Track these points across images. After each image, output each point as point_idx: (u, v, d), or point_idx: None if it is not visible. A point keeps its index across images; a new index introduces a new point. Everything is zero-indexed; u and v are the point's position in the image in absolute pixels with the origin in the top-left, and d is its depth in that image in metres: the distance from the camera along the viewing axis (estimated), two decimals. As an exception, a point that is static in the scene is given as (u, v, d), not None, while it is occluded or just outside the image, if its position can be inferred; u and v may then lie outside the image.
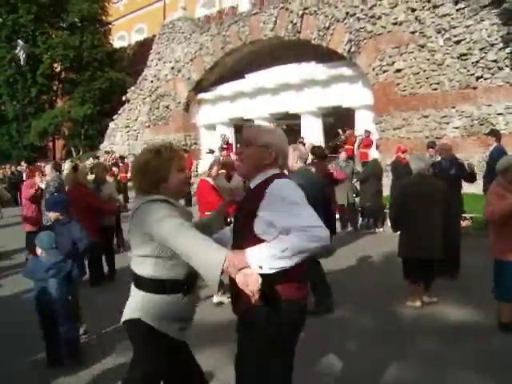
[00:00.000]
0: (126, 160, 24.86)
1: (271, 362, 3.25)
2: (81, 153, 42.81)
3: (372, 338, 6.24)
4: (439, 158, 12.17)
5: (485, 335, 6.07)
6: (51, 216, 6.69)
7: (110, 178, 11.31)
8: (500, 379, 4.98)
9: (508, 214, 5.93)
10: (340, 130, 22.62)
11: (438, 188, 7.29)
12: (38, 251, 5.84)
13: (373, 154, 14.06)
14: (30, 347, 6.25)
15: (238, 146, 22.70)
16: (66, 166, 20.60)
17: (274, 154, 3.23)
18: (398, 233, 12.42)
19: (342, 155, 14.12)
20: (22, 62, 39.39)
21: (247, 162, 3.32)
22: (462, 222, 9.41)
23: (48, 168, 12.46)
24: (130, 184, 23.31)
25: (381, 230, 13.31)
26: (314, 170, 9.73)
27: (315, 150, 10.60)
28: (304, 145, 20.08)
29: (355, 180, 13.59)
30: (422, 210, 7.07)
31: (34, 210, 10.51)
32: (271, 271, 2.97)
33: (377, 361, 5.52)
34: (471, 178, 8.90)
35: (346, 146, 21.31)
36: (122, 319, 3.42)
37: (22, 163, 31.11)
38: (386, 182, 13.99)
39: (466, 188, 8.94)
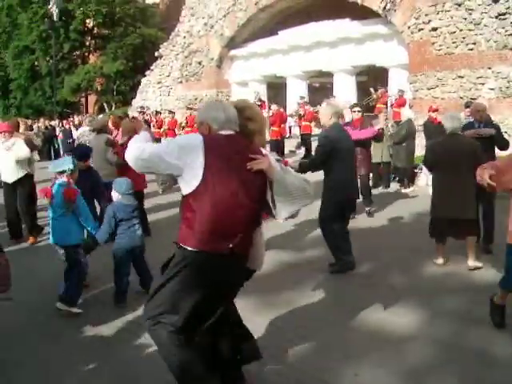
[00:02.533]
0: (160, 115, 24.97)
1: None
2: (113, 108, 43.09)
3: (396, 293, 6.35)
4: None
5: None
6: (84, 165, 6.95)
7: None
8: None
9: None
10: (372, 89, 22.47)
11: (471, 148, 7.09)
12: (115, 196, 6.30)
13: (406, 113, 13.93)
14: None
15: (272, 103, 22.66)
16: (87, 121, 20.95)
17: (207, 127, 3.63)
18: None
19: (383, 115, 14.11)
20: (54, 18, 39.50)
21: None
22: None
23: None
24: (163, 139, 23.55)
25: (411, 189, 13.34)
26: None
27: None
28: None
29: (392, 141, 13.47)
30: (453, 171, 6.99)
31: None
32: None
33: (400, 315, 5.66)
34: (505, 145, 8.34)
35: (378, 105, 21.20)
36: None
37: (56, 118, 31.57)
38: (419, 141, 13.95)
39: (498, 151, 8.64)
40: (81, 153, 7.48)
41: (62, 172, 6.13)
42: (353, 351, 4.81)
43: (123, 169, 7.92)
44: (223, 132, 3.56)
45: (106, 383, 4.44)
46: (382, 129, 10.97)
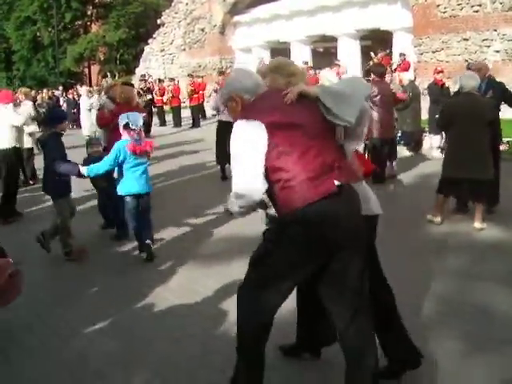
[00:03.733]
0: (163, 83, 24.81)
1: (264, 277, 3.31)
2: (116, 77, 42.90)
3: (400, 251, 6.37)
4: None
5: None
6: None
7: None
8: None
9: None
10: (372, 53, 22.21)
11: (487, 108, 7.06)
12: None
13: (407, 76, 13.77)
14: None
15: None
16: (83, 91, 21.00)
17: (238, 100, 3.43)
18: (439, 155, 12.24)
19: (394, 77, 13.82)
20: (56, -13, 39.18)
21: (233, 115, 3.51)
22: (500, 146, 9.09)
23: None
24: (166, 107, 23.50)
25: (418, 153, 13.30)
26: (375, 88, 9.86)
27: (375, 67, 10.77)
28: (339, 67, 19.89)
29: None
30: (469, 131, 6.90)
31: None
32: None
33: (403, 272, 5.69)
34: None
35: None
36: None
37: (60, 88, 31.51)
38: (423, 104, 13.88)
39: (502, 113, 8.52)
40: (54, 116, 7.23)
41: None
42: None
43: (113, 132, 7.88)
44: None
45: (113, 342, 4.52)
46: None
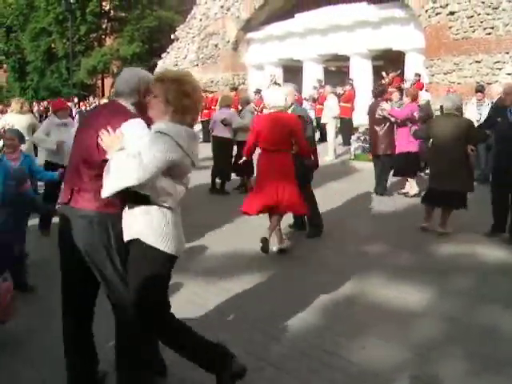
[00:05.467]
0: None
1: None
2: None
3: (405, 272, 6.41)
4: (485, 104, 12.00)
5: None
6: None
7: None
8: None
9: None
10: (384, 73, 22.29)
11: (462, 127, 7.72)
12: None
13: (425, 96, 13.80)
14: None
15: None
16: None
17: None
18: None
19: (396, 95, 13.75)
20: (71, 0, 39.46)
21: None
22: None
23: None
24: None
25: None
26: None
27: (375, 90, 11.73)
28: (352, 86, 19.97)
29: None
30: (445, 148, 7.65)
31: None
32: None
33: (408, 292, 5.70)
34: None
35: (390, 89, 21.00)
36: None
37: (75, 99, 31.76)
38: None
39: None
40: None
41: None
42: (361, 326, 4.88)
43: None
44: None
45: (113, 351, 4.52)
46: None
